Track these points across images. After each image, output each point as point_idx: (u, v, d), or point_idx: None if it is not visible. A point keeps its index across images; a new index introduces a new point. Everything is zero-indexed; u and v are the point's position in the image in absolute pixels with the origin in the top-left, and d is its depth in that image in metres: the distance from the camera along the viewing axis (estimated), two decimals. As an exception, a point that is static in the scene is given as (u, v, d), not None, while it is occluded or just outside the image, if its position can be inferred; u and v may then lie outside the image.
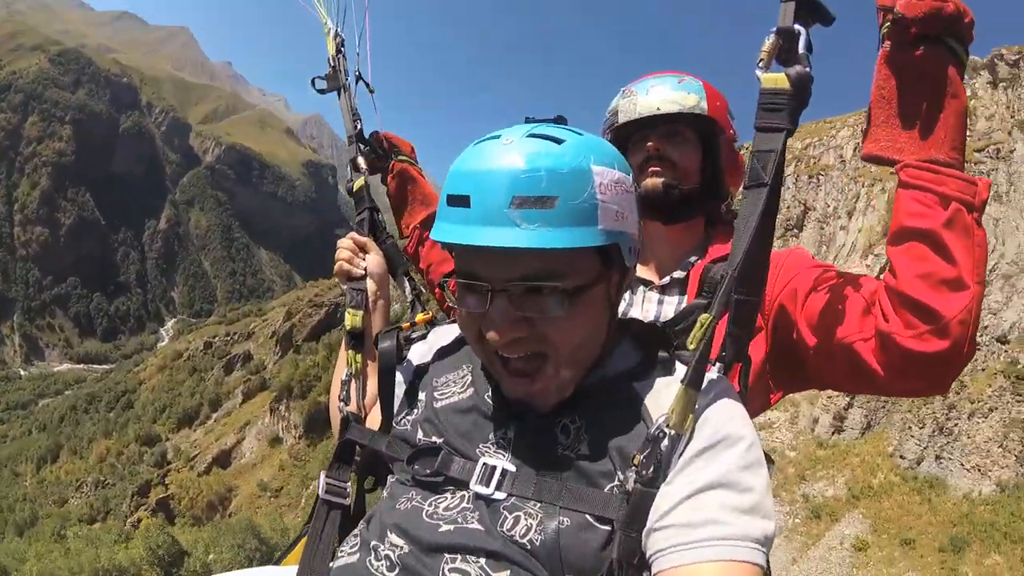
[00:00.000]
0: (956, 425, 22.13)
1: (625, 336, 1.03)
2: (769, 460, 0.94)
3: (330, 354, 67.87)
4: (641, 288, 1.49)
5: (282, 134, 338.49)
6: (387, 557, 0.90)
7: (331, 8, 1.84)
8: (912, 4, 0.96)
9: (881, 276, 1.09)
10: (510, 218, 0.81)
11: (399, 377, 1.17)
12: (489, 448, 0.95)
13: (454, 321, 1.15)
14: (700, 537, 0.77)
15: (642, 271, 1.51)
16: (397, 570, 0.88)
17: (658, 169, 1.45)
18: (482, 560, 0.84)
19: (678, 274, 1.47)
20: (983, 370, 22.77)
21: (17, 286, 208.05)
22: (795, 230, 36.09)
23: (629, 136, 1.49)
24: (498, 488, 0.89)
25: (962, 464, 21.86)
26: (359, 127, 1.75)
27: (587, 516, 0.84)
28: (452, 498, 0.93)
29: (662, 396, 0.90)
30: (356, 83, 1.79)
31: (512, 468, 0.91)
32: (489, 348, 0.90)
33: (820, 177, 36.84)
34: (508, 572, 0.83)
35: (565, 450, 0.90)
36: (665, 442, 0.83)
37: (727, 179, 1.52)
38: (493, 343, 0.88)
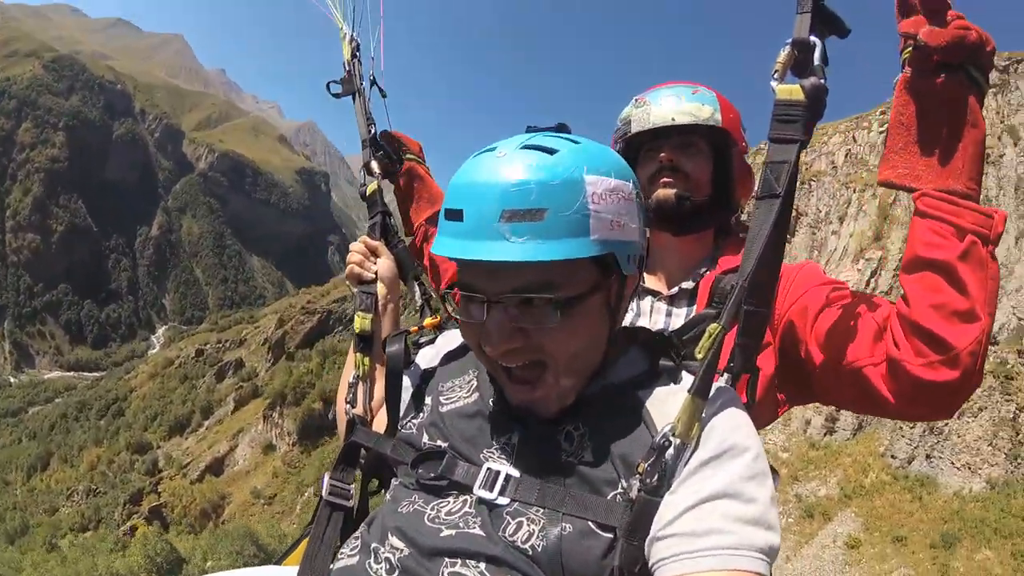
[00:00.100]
0: (946, 424, 22.32)
1: (633, 345, 1.03)
2: (774, 472, 0.93)
3: (323, 361, 67.75)
4: (649, 298, 1.49)
5: (275, 141, 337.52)
6: (387, 560, 0.89)
7: (347, 12, 1.84)
8: (935, 32, 0.95)
9: (883, 290, 1.11)
10: (500, 232, 0.81)
11: (406, 381, 1.17)
12: (493, 453, 0.95)
13: None
14: (703, 546, 0.76)
15: (651, 282, 1.50)
16: (396, 573, 0.87)
17: (670, 180, 1.44)
18: (482, 565, 0.83)
19: (687, 285, 1.46)
20: (972, 370, 23.14)
21: (8, 293, 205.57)
22: (787, 235, 36.46)
23: (641, 146, 1.49)
24: (502, 493, 0.89)
25: (952, 463, 22.15)
26: (373, 131, 1.74)
27: (590, 523, 0.84)
28: (455, 502, 0.93)
29: (667, 405, 0.90)
30: (371, 88, 1.78)
31: (516, 474, 0.91)
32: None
33: (812, 183, 37.33)
34: None
35: (569, 457, 0.90)
36: (670, 451, 0.83)
37: (738, 190, 1.52)
38: (490, 353, 0.90)
